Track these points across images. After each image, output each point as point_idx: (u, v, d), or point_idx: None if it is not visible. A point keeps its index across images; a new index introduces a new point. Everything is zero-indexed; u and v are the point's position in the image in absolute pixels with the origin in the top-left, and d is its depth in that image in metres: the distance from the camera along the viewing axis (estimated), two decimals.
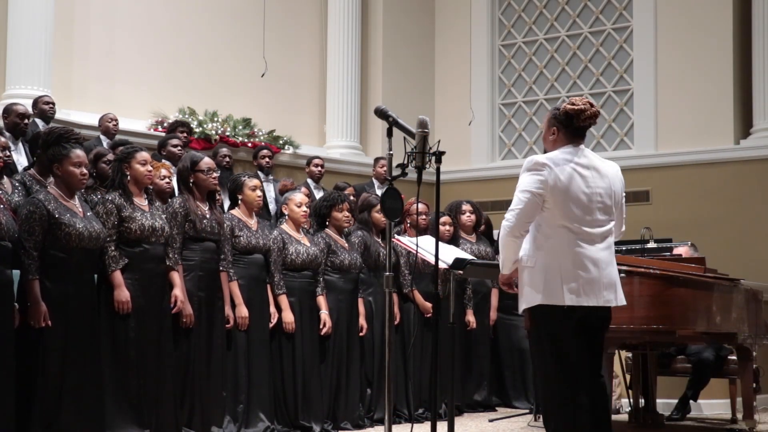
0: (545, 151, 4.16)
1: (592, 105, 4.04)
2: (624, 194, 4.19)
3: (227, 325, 5.60)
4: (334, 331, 6.19)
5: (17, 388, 4.41)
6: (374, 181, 9.44)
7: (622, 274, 4.84)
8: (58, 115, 8.07)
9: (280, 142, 10.28)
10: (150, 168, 5.22)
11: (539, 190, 3.93)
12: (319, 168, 9.12)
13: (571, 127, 4.04)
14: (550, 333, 4.01)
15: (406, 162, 4.10)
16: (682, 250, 6.92)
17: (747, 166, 9.66)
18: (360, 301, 6.47)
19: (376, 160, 9.61)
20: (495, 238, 8.07)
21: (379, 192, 8.62)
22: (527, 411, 7.32)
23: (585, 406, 3.98)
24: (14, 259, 4.48)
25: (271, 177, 8.91)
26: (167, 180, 6.04)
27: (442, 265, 4.78)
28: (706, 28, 10.04)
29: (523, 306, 4.08)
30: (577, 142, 4.06)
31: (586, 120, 4.03)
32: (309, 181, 9.07)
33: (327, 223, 6.39)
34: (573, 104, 4.02)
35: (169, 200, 5.57)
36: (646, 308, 5.07)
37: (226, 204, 6.29)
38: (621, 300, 4.09)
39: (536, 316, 4.04)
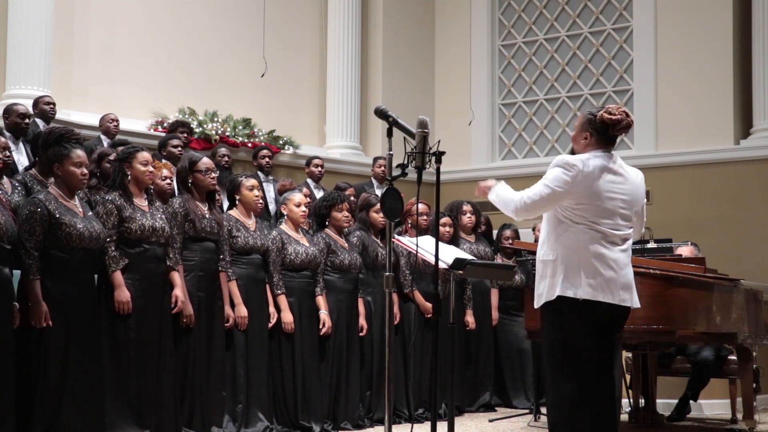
0: (573, 151, 4.25)
1: (627, 115, 4.15)
2: (645, 201, 4.29)
3: (227, 325, 5.60)
4: (334, 331, 6.19)
5: (18, 388, 4.41)
6: (373, 180, 9.45)
7: None
8: (58, 115, 8.07)
9: (280, 142, 10.28)
10: (151, 168, 5.22)
11: (560, 188, 4.00)
12: (319, 168, 9.12)
13: (605, 134, 4.13)
14: (564, 329, 4.03)
15: (406, 162, 4.10)
16: (686, 250, 6.92)
17: (747, 166, 9.67)
18: (360, 301, 6.47)
19: (375, 159, 9.61)
20: (495, 238, 8.09)
21: (378, 192, 8.61)
22: (527, 411, 7.32)
23: (592, 406, 4.01)
24: (13, 259, 4.47)
25: (270, 177, 8.91)
26: (168, 180, 6.04)
27: (442, 266, 4.78)
28: (706, 28, 10.05)
29: (542, 301, 4.10)
30: (608, 148, 4.16)
31: (621, 130, 4.14)
32: (309, 181, 9.07)
33: (327, 223, 6.39)
34: (610, 114, 4.11)
35: (169, 200, 5.57)
36: (646, 308, 5.06)
37: (226, 204, 6.29)
38: (636, 302, 4.17)
39: (551, 311, 4.06)
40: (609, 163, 4.09)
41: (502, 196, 4.18)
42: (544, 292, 4.09)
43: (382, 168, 9.30)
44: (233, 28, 10.39)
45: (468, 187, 10.88)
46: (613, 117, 4.09)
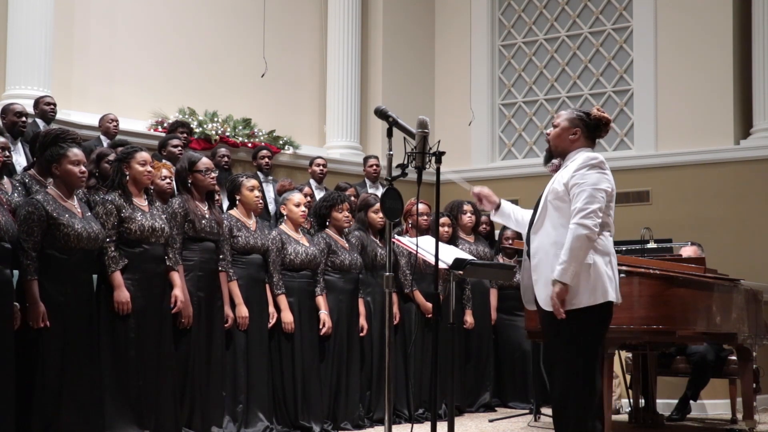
0: (554, 148, 4.22)
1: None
2: None
3: (226, 325, 5.60)
4: (334, 331, 6.19)
5: (16, 388, 4.41)
6: (366, 180, 9.45)
7: (622, 274, 4.87)
8: (58, 116, 8.07)
9: (280, 142, 10.28)
10: (150, 168, 5.21)
11: (609, 188, 4.03)
12: (321, 168, 9.11)
13: (594, 133, 4.19)
14: (595, 331, 4.07)
15: (406, 162, 4.09)
16: (690, 251, 6.92)
17: (747, 166, 9.67)
18: (360, 302, 6.47)
19: (366, 159, 9.61)
20: (496, 238, 8.09)
21: (370, 191, 8.61)
22: (527, 411, 7.32)
23: (598, 400, 4.09)
24: (13, 259, 4.48)
25: (270, 177, 8.90)
26: (168, 180, 6.04)
27: (442, 266, 4.78)
28: (706, 28, 10.05)
29: (586, 302, 4.02)
30: (592, 147, 4.20)
31: (606, 132, 4.22)
32: (311, 181, 9.06)
33: (327, 223, 6.39)
34: (603, 113, 4.17)
35: (169, 200, 5.57)
36: (646, 308, 5.07)
37: (225, 204, 6.30)
38: None
39: (583, 315, 4.03)
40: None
41: (574, 256, 3.92)
42: (583, 296, 4.01)
43: (374, 167, 9.32)
44: (233, 28, 10.39)
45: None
46: (606, 117, 4.17)
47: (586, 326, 4.07)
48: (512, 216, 4.46)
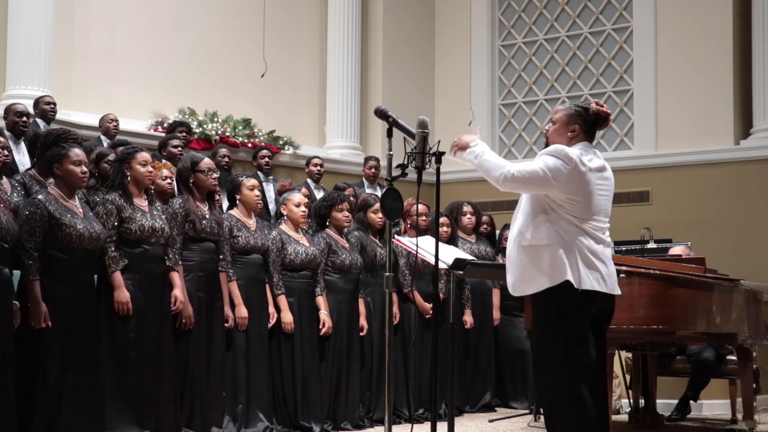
0: (549, 144, 4.12)
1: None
2: None
3: (226, 325, 5.60)
4: (335, 331, 6.19)
5: (17, 388, 4.41)
6: (364, 181, 9.46)
7: (622, 275, 4.86)
8: (58, 116, 8.07)
9: (280, 142, 10.28)
10: (150, 169, 5.22)
11: (554, 179, 3.90)
12: (318, 168, 9.11)
13: (593, 128, 4.11)
14: (567, 320, 3.92)
15: (406, 162, 4.09)
16: (678, 250, 6.93)
17: (747, 166, 9.67)
18: (360, 302, 6.47)
19: (366, 160, 9.62)
20: (497, 238, 8.10)
21: (368, 191, 8.63)
22: (527, 411, 7.32)
23: (589, 401, 3.93)
24: (13, 259, 4.47)
25: (270, 177, 8.90)
26: (169, 181, 6.04)
27: (442, 266, 4.78)
28: (706, 28, 10.05)
29: (536, 288, 3.96)
30: (591, 141, 4.12)
31: (606, 125, 4.13)
32: (309, 181, 9.07)
33: (327, 223, 6.39)
34: (601, 106, 4.08)
35: (170, 201, 5.57)
36: (646, 308, 5.07)
37: (225, 204, 6.30)
38: (618, 290, 4.13)
39: (549, 301, 3.95)
40: (595, 157, 4.04)
41: (487, 159, 4.00)
42: (542, 278, 3.93)
43: (373, 170, 9.35)
44: (233, 28, 10.39)
45: (468, 187, 10.94)
46: (605, 110, 4.08)
47: (545, 316, 3.97)
48: None
